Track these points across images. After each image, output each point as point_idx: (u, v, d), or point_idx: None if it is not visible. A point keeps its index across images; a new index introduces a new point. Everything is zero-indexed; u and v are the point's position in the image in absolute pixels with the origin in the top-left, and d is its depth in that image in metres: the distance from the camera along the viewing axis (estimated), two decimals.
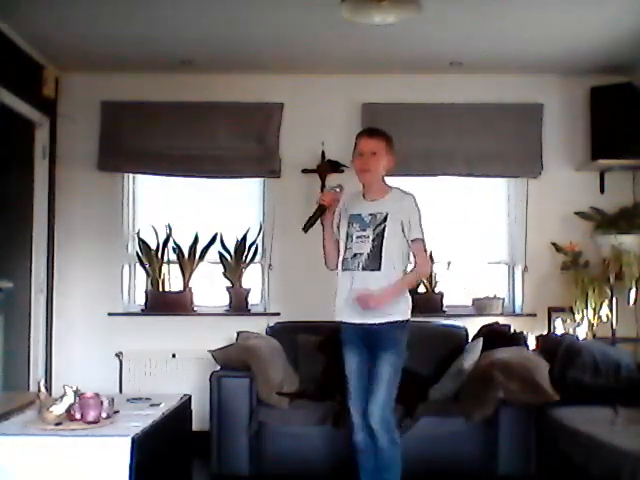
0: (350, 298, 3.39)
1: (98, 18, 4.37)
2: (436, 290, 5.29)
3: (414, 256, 3.46)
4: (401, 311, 3.40)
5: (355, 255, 3.43)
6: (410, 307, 3.45)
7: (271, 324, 5.15)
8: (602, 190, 5.38)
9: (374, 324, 3.35)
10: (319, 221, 3.50)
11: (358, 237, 3.42)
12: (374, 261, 3.37)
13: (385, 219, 3.38)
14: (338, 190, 3.51)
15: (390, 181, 3.63)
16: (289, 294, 5.36)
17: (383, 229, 3.38)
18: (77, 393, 3.26)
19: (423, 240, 3.43)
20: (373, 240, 3.38)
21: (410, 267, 3.50)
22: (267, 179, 5.44)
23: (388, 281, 3.34)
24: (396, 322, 3.37)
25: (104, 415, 3.27)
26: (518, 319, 5.21)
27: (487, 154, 5.35)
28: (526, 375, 4.17)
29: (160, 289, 5.33)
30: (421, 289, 5.30)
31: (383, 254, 3.35)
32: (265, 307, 5.43)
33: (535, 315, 5.33)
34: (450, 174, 5.38)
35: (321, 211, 3.47)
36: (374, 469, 3.42)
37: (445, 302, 5.30)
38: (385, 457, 3.37)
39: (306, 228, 3.46)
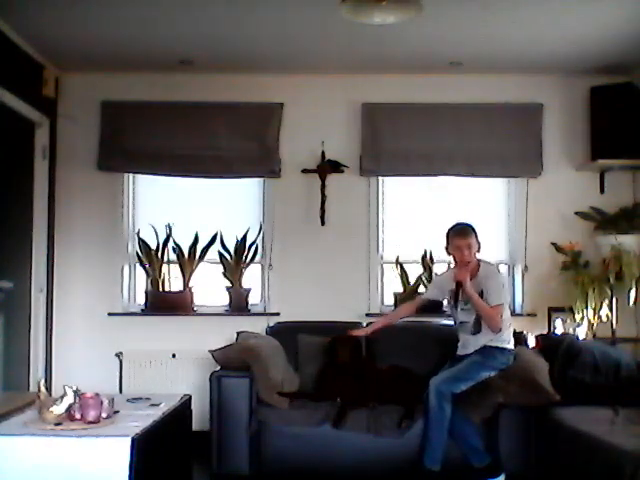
0: (462, 351, 4.37)
1: (98, 18, 4.37)
2: None
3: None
4: (499, 341, 4.27)
5: (462, 323, 4.38)
6: (504, 337, 4.28)
7: (271, 324, 5.16)
8: (602, 190, 5.38)
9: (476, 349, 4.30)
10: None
11: (462, 309, 4.35)
12: (476, 327, 4.30)
13: (481, 295, 4.21)
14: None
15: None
16: (289, 294, 5.36)
17: None
18: (77, 393, 3.27)
19: (501, 305, 4.23)
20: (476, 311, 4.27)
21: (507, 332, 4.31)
22: (267, 179, 5.44)
23: (485, 340, 4.25)
24: (492, 347, 4.24)
25: (104, 415, 3.27)
26: (518, 319, 5.19)
27: (487, 154, 5.36)
28: (526, 376, 4.18)
29: (160, 289, 5.33)
30: (421, 289, 5.31)
31: (482, 322, 4.27)
32: (265, 307, 5.43)
33: (535, 315, 5.33)
34: (450, 174, 5.38)
35: (458, 288, 4.32)
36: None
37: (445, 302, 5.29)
38: (431, 417, 4.04)
39: (455, 306, 4.39)
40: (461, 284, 4.28)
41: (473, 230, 4.35)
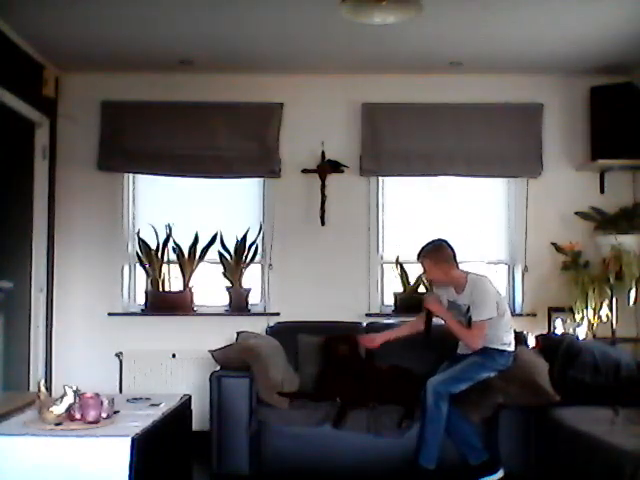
0: (463, 350, 4.37)
1: (98, 18, 4.37)
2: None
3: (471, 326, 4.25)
4: (499, 343, 4.27)
5: None
6: (505, 340, 4.28)
7: (271, 324, 5.16)
8: (602, 190, 5.38)
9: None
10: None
11: (454, 315, 4.33)
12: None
13: (468, 309, 4.24)
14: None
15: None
16: (289, 294, 5.36)
17: (469, 318, 4.24)
18: (77, 393, 3.27)
19: (483, 321, 4.18)
20: (467, 323, 4.27)
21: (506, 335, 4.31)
22: (267, 179, 5.44)
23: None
24: (492, 348, 4.24)
25: (104, 415, 3.27)
26: (518, 319, 5.19)
27: (487, 154, 5.35)
28: (526, 376, 4.18)
29: (160, 289, 5.33)
30: (421, 289, 5.31)
31: None
32: (265, 307, 5.43)
33: (535, 315, 5.33)
34: (450, 174, 5.38)
35: (430, 316, 4.36)
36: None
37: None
38: (427, 416, 4.04)
39: (428, 334, 4.38)
40: (431, 312, 4.37)
41: (430, 254, 4.29)
